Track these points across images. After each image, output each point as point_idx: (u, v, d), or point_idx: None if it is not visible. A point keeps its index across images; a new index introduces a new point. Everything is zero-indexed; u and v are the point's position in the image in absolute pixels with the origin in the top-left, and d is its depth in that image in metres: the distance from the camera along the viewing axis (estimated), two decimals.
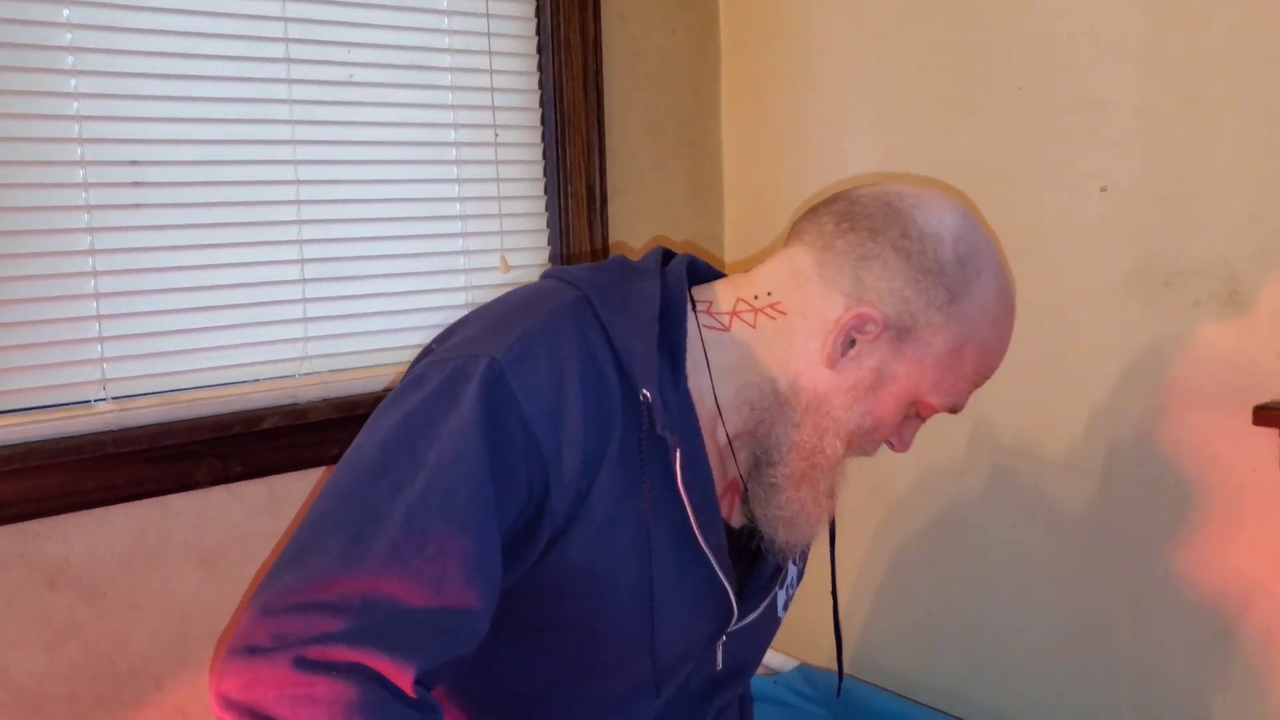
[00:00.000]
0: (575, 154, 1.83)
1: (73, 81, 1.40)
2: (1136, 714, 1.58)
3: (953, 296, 1.05)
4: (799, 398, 1.08)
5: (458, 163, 1.74)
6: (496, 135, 1.77)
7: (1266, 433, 1.41)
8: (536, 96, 1.82)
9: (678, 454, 1.02)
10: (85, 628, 1.46)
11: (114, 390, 1.46)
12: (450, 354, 1.01)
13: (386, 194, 1.67)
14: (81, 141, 1.41)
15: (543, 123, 1.82)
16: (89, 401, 1.45)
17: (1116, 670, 1.60)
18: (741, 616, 1.13)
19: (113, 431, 1.44)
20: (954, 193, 1.72)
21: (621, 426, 1.01)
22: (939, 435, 1.77)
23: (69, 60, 1.40)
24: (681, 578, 1.07)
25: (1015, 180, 1.64)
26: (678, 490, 1.04)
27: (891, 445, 1.16)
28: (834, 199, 1.13)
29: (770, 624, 1.24)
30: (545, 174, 1.84)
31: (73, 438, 1.41)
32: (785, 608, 1.26)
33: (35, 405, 1.41)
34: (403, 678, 0.86)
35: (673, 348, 1.06)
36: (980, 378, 1.13)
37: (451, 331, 1.10)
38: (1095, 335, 1.58)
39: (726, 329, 1.10)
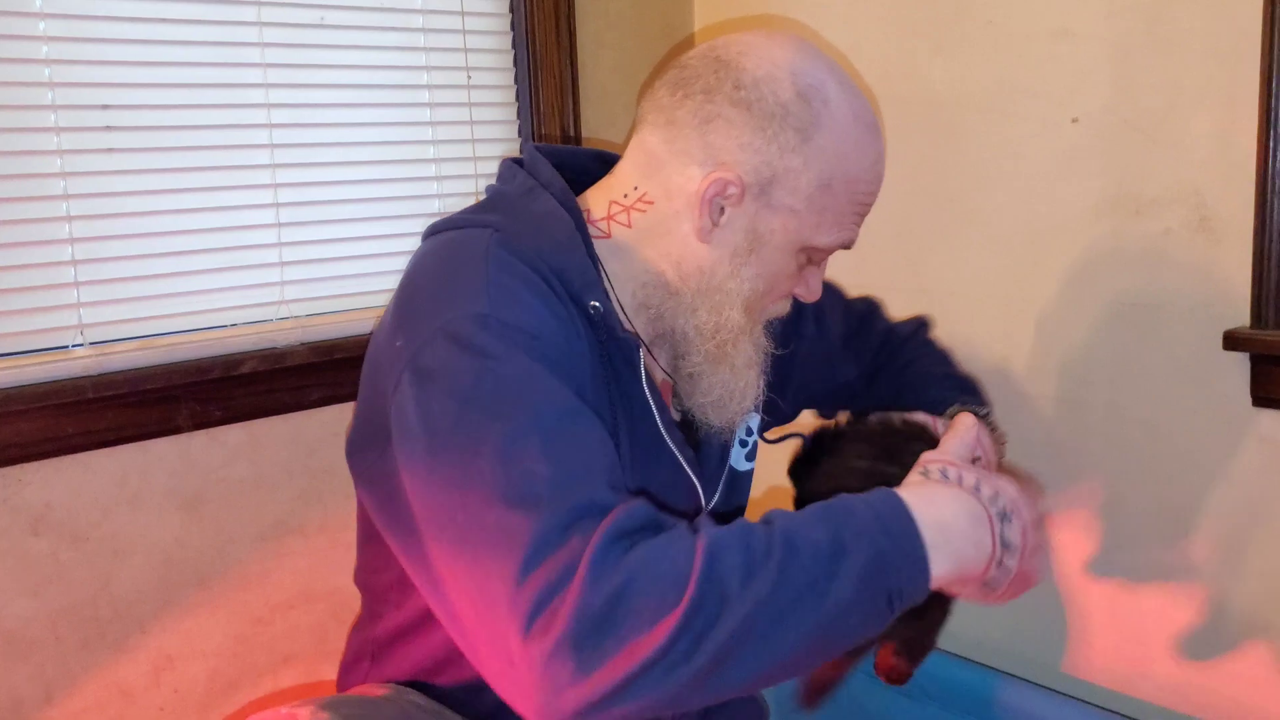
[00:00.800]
0: (548, 95, 1.82)
1: (42, 25, 1.39)
2: (1110, 633, 1.61)
3: (804, 135, 1.02)
4: (687, 283, 1.07)
5: (430, 105, 1.73)
6: (469, 77, 1.77)
7: (1236, 357, 1.43)
8: (509, 38, 1.81)
9: (641, 353, 1.04)
10: (69, 572, 1.46)
11: (92, 335, 1.46)
12: (425, 334, 0.95)
13: (360, 137, 1.66)
14: (52, 85, 1.40)
15: (515, 64, 1.82)
16: (67, 347, 1.44)
17: (1090, 592, 1.63)
18: (708, 500, 1.16)
19: (92, 376, 1.44)
20: (922, 122, 1.72)
21: (586, 341, 1.01)
22: None
23: (37, 3, 1.38)
24: (650, 476, 1.08)
25: (986, 112, 1.65)
26: (641, 391, 1.05)
27: (800, 297, 1.14)
28: (665, 70, 1.09)
29: (738, 490, 1.26)
30: (518, 115, 1.83)
31: (52, 383, 1.41)
32: (751, 457, 1.27)
33: (13, 351, 1.41)
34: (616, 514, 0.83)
35: (593, 259, 1.05)
36: (861, 205, 1.09)
37: (395, 326, 1.00)
38: (1067, 264, 1.59)
39: (608, 235, 1.09)
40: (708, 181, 1.02)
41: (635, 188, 1.08)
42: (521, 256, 0.99)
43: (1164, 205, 1.48)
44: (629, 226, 1.08)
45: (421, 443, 0.89)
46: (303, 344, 1.60)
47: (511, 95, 1.83)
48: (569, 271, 1.00)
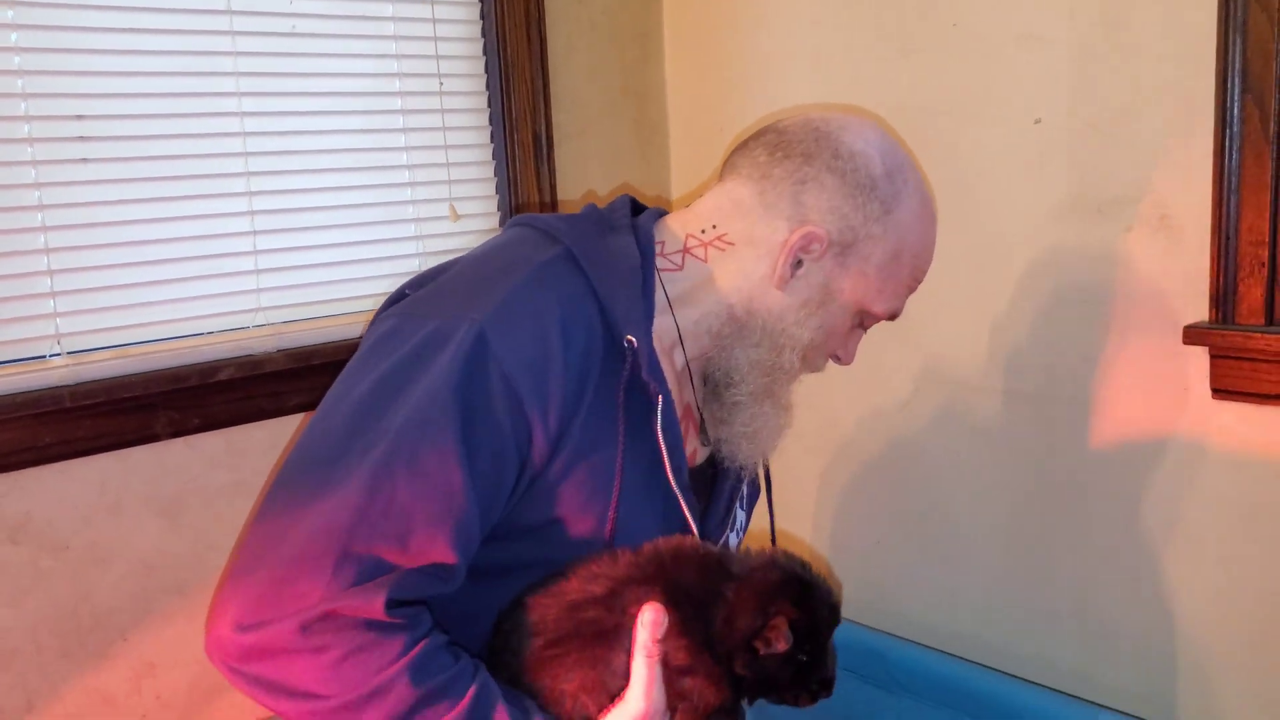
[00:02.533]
0: (520, 101, 1.84)
1: (14, 36, 1.39)
2: (1074, 621, 1.65)
3: (886, 208, 1.13)
4: (755, 319, 1.15)
5: (403, 112, 1.75)
6: (441, 84, 1.78)
7: (1196, 351, 1.47)
8: (480, 45, 1.83)
9: (660, 399, 1.07)
10: (49, 581, 1.47)
11: (69, 345, 1.46)
12: (429, 309, 1.04)
13: (333, 145, 1.68)
14: (25, 96, 1.40)
15: (487, 70, 1.83)
16: (44, 357, 1.45)
17: (1056, 582, 1.66)
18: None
19: (69, 386, 1.44)
20: (886, 123, 1.75)
21: (599, 376, 1.05)
22: (884, 370, 1.82)
23: (9, 14, 1.39)
24: (649, 518, 1.11)
25: (952, 114, 1.68)
26: (654, 433, 1.08)
27: (838, 359, 1.23)
28: (762, 132, 1.19)
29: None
30: (491, 122, 1.85)
31: (29, 392, 1.41)
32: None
33: None
34: (373, 608, 0.91)
35: (647, 297, 1.11)
36: (915, 282, 1.20)
37: (429, 278, 1.12)
38: (1030, 263, 1.63)
39: (680, 268, 1.16)
40: (798, 234, 1.12)
41: (714, 226, 1.17)
42: (571, 281, 1.06)
43: (1125, 204, 1.52)
44: (704, 261, 1.16)
45: (340, 386, 1.03)
46: (279, 350, 1.61)
47: (484, 101, 1.84)
48: (618, 305, 1.06)
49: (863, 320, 1.20)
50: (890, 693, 1.67)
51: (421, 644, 0.94)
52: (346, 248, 1.70)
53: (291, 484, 0.97)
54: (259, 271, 1.61)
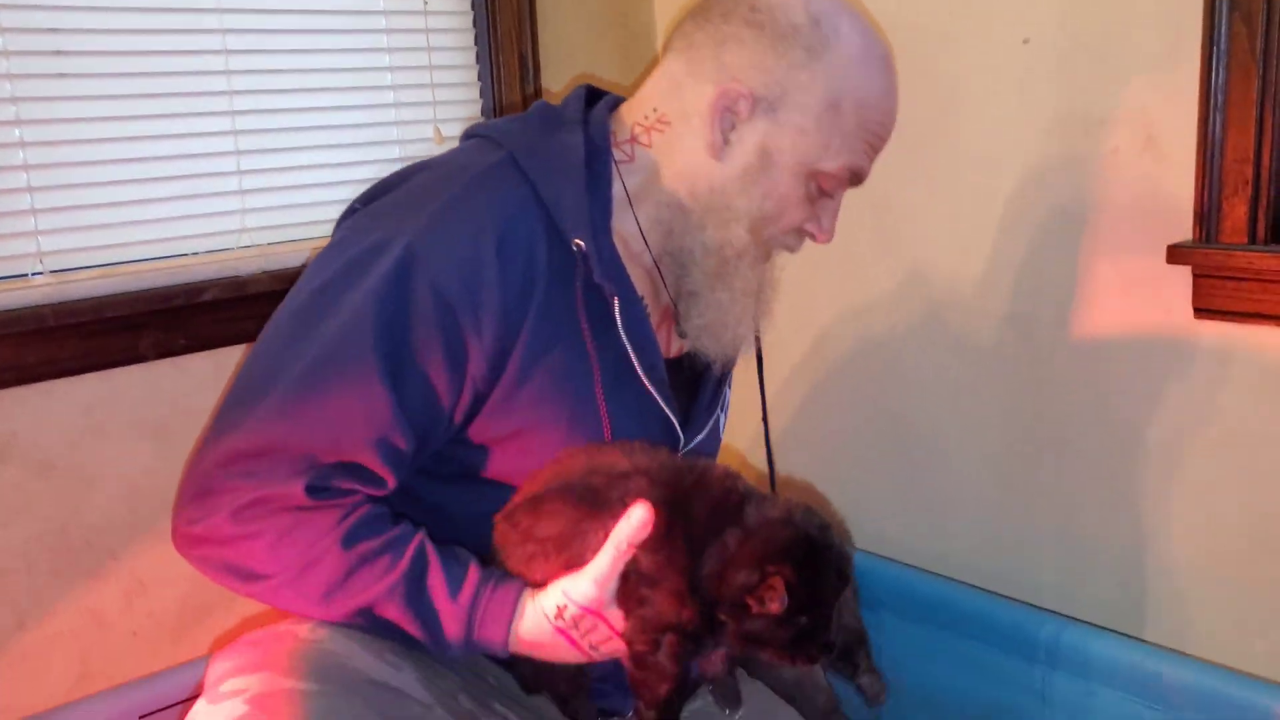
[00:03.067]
0: (506, 22, 1.82)
1: None
2: (1056, 539, 1.67)
3: (813, 54, 1.08)
4: (698, 200, 1.12)
5: (388, 31, 1.72)
6: (426, 3, 1.76)
7: (1179, 270, 1.47)
8: None
9: (615, 301, 1.06)
10: (37, 502, 1.47)
11: (51, 263, 1.45)
12: (371, 224, 1.07)
13: (317, 64, 1.65)
14: None
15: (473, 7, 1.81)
16: (26, 275, 1.44)
17: (1038, 501, 1.68)
18: (688, 441, 1.19)
19: (52, 304, 1.43)
20: None
21: (548, 280, 1.05)
22: (867, 279, 1.83)
23: None
24: (627, 415, 1.11)
25: (939, 33, 1.67)
26: (619, 336, 1.08)
27: (813, 236, 1.18)
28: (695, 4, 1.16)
29: (714, 443, 1.29)
30: (476, 43, 1.82)
31: (11, 310, 1.40)
32: (722, 429, 1.32)
33: None
34: (293, 493, 0.99)
35: (599, 194, 1.10)
36: (871, 135, 1.14)
37: (378, 192, 1.13)
38: (1017, 183, 1.63)
39: (632, 159, 1.14)
40: (718, 92, 1.08)
41: (655, 109, 1.14)
42: (510, 186, 1.06)
43: (1112, 125, 1.52)
44: (649, 147, 1.14)
45: (290, 293, 1.09)
46: (265, 271, 1.60)
47: (469, 22, 1.80)
48: (563, 206, 1.05)
49: (819, 183, 1.12)
50: (869, 609, 1.69)
51: (354, 516, 1.01)
52: (331, 169, 1.68)
53: (235, 390, 1.06)
54: (243, 192, 1.60)
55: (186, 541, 1.04)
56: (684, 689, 1.02)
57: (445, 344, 1.01)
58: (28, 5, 1.40)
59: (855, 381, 1.90)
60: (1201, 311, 1.47)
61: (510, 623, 1.00)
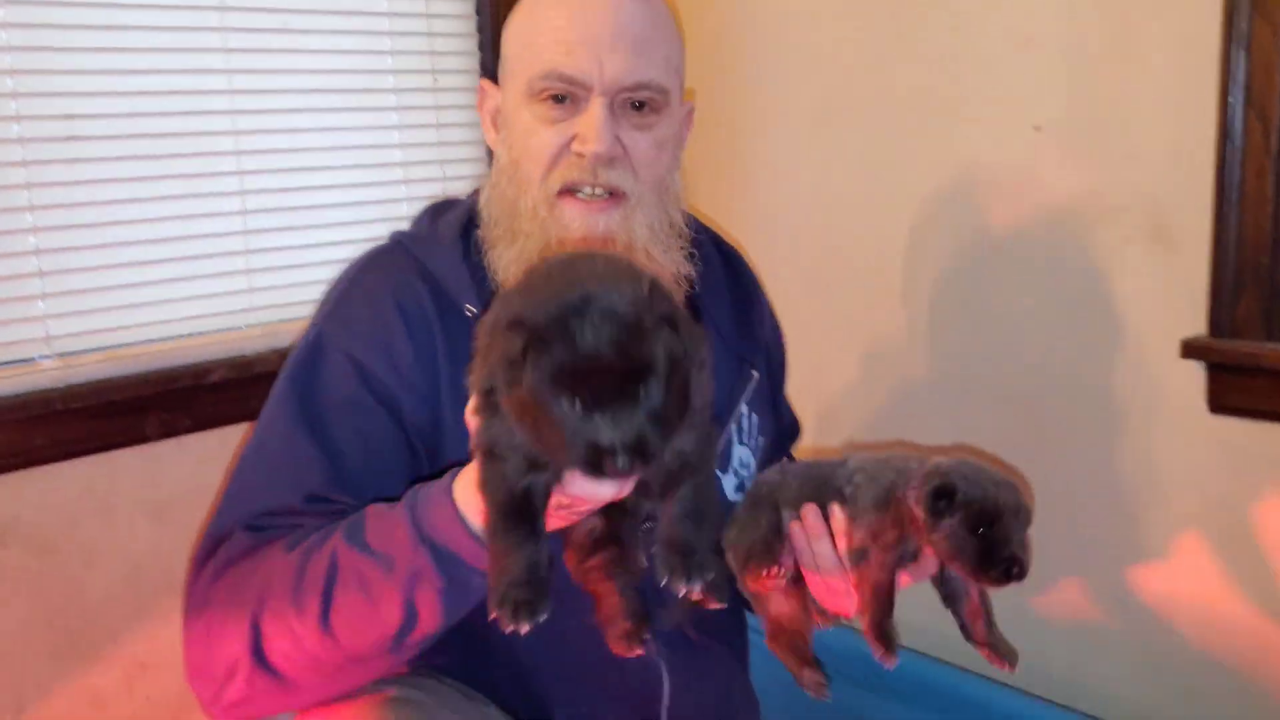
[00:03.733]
0: None
1: (3, 34, 1.37)
2: (1067, 635, 1.65)
3: (510, 23, 1.22)
4: (501, 200, 1.21)
5: (397, 109, 1.73)
6: (435, 80, 1.76)
7: (1193, 365, 1.46)
8: (475, 40, 1.81)
9: None
10: (38, 583, 1.46)
11: (59, 347, 1.45)
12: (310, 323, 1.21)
13: (326, 142, 1.66)
14: (15, 96, 1.39)
15: (481, 66, 1.81)
16: (33, 359, 1.44)
17: (1048, 589, 1.66)
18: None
19: (59, 389, 1.43)
20: (886, 126, 1.74)
21: (447, 343, 1.15)
22: (877, 365, 1.82)
23: (0, 13, 1.37)
24: None
25: (951, 117, 1.67)
26: None
27: (579, 142, 1.16)
28: None
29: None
30: None
31: (19, 395, 1.41)
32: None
33: None
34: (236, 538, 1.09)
35: (477, 259, 1.20)
36: (553, 30, 1.16)
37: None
38: (1028, 269, 1.62)
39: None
40: (479, 100, 1.28)
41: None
42: (399, 263, 1.20)
43: (1123, 213, 1.51)
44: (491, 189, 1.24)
45: None
46: (272, 350, 1.60)
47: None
48: (447, 278, 1.18)
49: (541, 99, 1.16)
50: (868, 691, 1.67)
51: (297, 533, 1.07)
52: (338, 247, 1.69)
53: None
54: (250, 271, 1.60)
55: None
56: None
57: (369, 399, 1.12)
58: (46, 92, 1.41)
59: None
60: (1216, 407, 1.45)
61: (450, 490, 1.00)
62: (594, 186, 1.16)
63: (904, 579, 1.15)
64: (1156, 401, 1.51)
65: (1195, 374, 1.46)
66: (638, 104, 1.17)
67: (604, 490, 0.91)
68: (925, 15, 1.67)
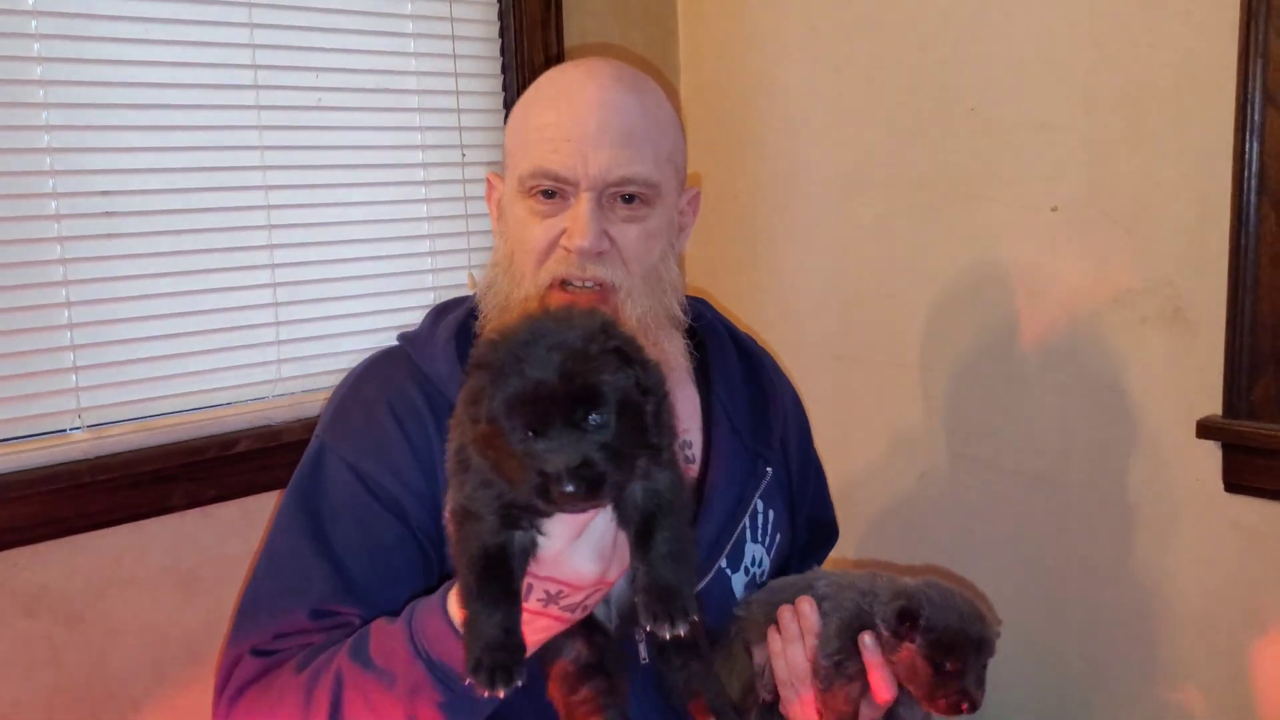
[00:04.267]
0: None
1: (45, 115, 1.40)
2: (1081, 709, 1.65)
3: (510, 120, 1.27)
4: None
5: (425, 183, 1.76)
6: (464, 155, 1.79)
7: (1209, 445, 1.48)
8: (501, 116, 1.84)
9: None
10: (63, 653, 1.47)
11: (89, 419, 1.47)
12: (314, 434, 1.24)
13: (356, 216, 1.69)
14: (54, 174, 1.41)
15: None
16: (65, 431, 1.45)
17: (1062, 667, 1.67)
18: None
19: (89, 460, 1.45)
20: (905, 205, 1.77)
21: (443, 443, 1.12)
22: (896, 444, 1.83)
23: (40, 94, 1.40)
24: None
25: (968, 198, 1.70)
26: None
27: (567, 238, 1.18)
28: None
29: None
30: None
31: (49, 467, 1.42)
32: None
33: (11, 436, 1.41)
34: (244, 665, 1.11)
35: (467, 342, 1.21)
36: (544, 129, 1.19)
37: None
38: (1045, 349, 1.64)
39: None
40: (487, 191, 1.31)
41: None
42: (394, 367, 1.23)
43: (1139, 295, 1.54)
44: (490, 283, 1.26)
45: None
46: (298, 420, 1.62)
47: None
48: (442, 379, 1.20)
49: (530, 192, 1.19)
50: None
51: (305, 651, 1.10)
52: (367, 317, 1.71)
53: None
54: (280, 343, 1.62)
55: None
56: None
57: (375, 506, 1.15)
58: (84, 170, 1.44)
59: (877, 540, 1.89)
60: (1232, 486, 1.47)
61: (444, 602, 1.01)
62: (583, 280, 1.19)
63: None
64: (1173, 480, 1.53)
65: (1211, 454, 1.48)
66: (627, 197, 1.19)
67: (584, 564, 0.94)
68: (945, 96, 1.71)
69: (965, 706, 1.08)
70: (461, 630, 0.95)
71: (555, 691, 1.11)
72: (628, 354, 0.89)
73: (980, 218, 1.69)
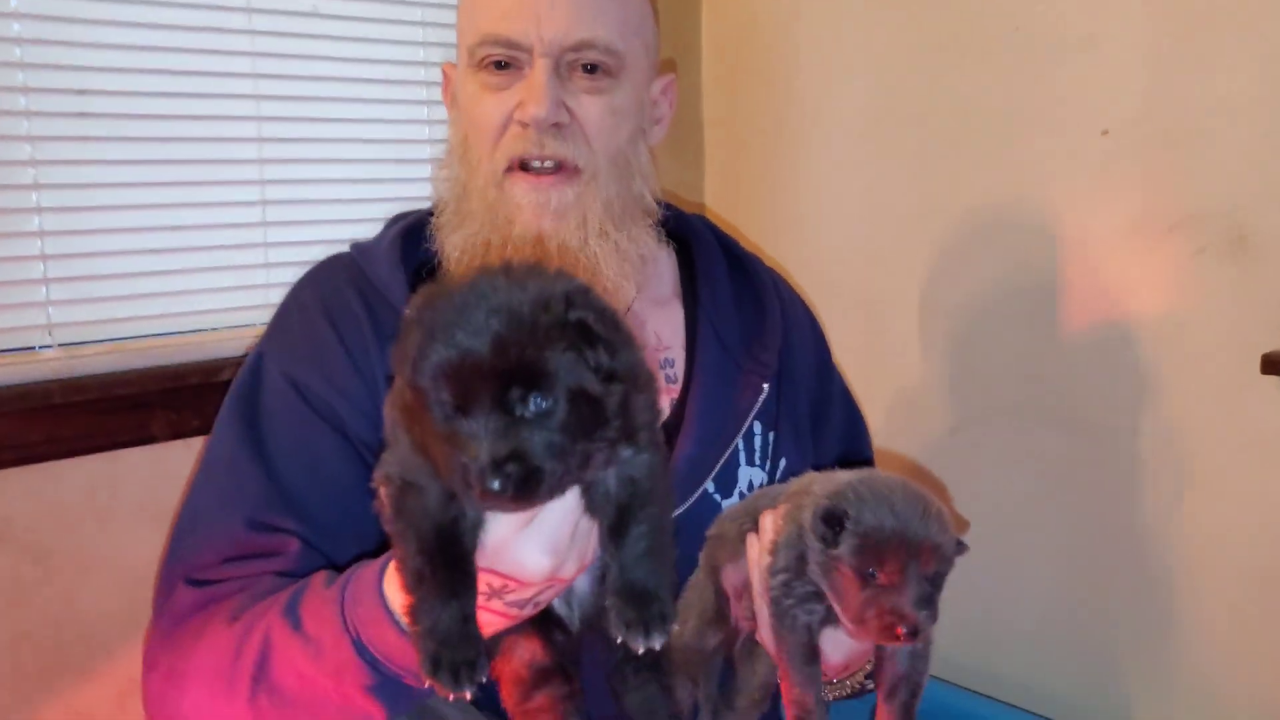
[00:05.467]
0: None
1: (13, 1, 1.30)
2: (1137, 672, 1.54)
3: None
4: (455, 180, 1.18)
5: (428, 103, 1.65)
6: None
7: (1274, 381, 1.36)
8: None
9: None
10: (30, 592, 1.36)
11: (61, 336, 1.36)
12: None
13: (353, 133, 1.58)
14: (23, 66, 1.31)
15: None
16: (34, 348, 1.35)
17: (1114, 627, 1.55)
18: None
19: (60, 380, 1.35)
20: (940, 135, 1.66)
21: (382, 349, 1.09)
22: (927, 387, 1.72)
23: None
24: None
25: (1013, 124, 1.58)
26: None
27: (521, 110, 1.10)
28: None
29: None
30: None
31: (17, 386, 1.32)
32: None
33: None
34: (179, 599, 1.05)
35: (417, 260, 1.17)
36: None
37: None
38: (1095, 283, 1.52)
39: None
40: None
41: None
42: (336, 273, 1.17)
43: (1199, 223, 1.42)
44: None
45: None
46: None
47: None
48: (382, 282, 1.14)
49: (480, 64, 1.12)
50: None
51: (244, 594, 1.02)
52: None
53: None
54: (269, 265, 1.51)
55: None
56: None
57: (311, 416, 1.08)
58: (56, 65, 1.33)
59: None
60: None
61: (380, 580, 0.89)
62: (541, 159, 1.10)
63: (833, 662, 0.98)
64: (1233, 422, 1.41)
65: (1277, 391, 1.36)
66: (588, 66, 1.10)
67: (532, 558, 0.80)
68: (985, 14, 1.59)
69: (900, 631, 0.85)
70: (406, 619, 0.81)
71: (508, 696, 0.98)
72: (590, 330, 0.73)
73: (1023, 147, 1.57)
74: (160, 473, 1.45)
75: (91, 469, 1.40)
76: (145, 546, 1.44)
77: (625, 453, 0.79)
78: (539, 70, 1.08)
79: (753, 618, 1.02)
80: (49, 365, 1.34)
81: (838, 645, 0.99)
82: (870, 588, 0.87)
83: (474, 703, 1.04)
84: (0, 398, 1.30)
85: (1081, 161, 1.52)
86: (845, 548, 0.88)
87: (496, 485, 0.69)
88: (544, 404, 0.71)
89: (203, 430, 1.46)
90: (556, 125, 1.09)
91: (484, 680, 0.79)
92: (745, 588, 1.03)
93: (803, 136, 1.85)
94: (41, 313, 1.34)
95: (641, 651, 0.80)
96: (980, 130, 1.61)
